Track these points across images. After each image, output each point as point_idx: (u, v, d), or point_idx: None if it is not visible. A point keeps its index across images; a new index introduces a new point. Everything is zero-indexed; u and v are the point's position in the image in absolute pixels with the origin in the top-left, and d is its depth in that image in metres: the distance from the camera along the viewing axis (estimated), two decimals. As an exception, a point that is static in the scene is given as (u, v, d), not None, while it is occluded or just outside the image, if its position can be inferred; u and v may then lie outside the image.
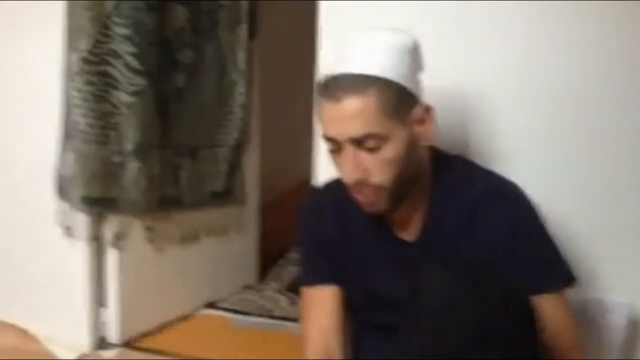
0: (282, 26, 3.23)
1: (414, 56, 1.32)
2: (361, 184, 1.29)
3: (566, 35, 1.61)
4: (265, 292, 2.82)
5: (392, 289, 1.36)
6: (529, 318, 1.18)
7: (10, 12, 2.23)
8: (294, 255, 3.05)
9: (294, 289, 2.81)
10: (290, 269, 3.00)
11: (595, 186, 1.64)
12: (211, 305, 2.66)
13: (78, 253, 2.24)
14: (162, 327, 2.45)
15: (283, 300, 2.75)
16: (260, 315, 2.61)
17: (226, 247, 2.72)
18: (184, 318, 2.54)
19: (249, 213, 2.82)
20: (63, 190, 2.18)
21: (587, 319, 1.57)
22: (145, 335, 2.40)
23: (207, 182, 2.54)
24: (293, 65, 3.03)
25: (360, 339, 1.52)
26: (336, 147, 1.29)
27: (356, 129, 1.24)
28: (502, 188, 1.37)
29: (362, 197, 1.32)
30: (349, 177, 1.29)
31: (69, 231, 2.21)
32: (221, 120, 2.55)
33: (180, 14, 2.35)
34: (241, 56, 2.55)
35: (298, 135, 2.78)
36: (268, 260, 3.08)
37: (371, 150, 1.26)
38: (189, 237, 2.53)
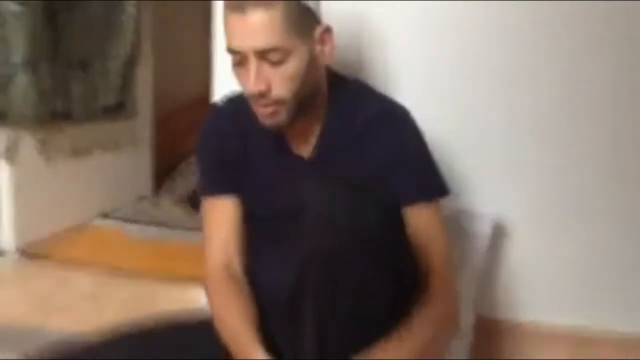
0: None
1: None
2: (263, 96, 1.34)
3: None
4: (160, 203, 2.89)
5: (287, 201, 1.45)
6: (401, 229, 1.33)
7: None
8: (187, 167, 3.12)
9: (188, 200, 2.89)
10: (184, 182, 3.07)
11: (468, 111, 1.81)
12: (105, 215, 2.71)
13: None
14: (55, 236, 2.48)
15: (177, 211, 2.82)
16: (154, 224, 2.67)
17: (120, 160, 2.76)
18: (78, 228, 2.58)
19: (142, 126, 2.85)
20: (-51, 102, 2.14)
21: (457, 228, 1.75)
22: (39, 244, 2.42)
23: (99, 96, 2.55)
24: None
25: (255, 249, 1.61)
26: (240, 59, 1.33)
27: (262, 41, 1.29)
28: (392, 110, 1.48)
29: (262, 110, 1.38)
30: (252, 89, 1.33)
31: (-42, 144, 2.19)
32: (112, 33, 2.54)
33: None
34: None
35: (193, 50, 2.80)
36: (162, 172, 3.13)
37: (274, 64, 1.31)
38: (82, 150, 2.55)
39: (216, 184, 1.54)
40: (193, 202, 2.79)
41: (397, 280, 1.31)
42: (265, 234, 1.55)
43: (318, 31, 1.37)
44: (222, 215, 1.52)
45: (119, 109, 2.63)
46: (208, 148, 1.56)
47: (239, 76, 1.37)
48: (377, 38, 1.80)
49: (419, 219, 1.39)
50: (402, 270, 1.31)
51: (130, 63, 2.61)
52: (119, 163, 2.75)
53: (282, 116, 1.38)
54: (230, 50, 1.34)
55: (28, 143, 2.34)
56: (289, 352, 1.33)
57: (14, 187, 2.31)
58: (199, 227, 1.58)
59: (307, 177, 1.37)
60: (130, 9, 2.54)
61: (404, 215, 1.39)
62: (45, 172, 2.43)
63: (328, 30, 1.40)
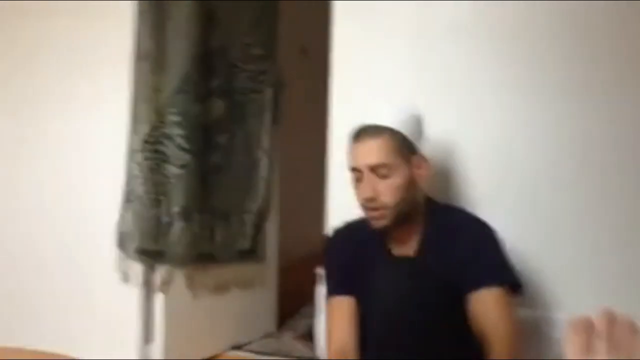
0: (301, 114, 3.80)
1: (416, 121, 1.87)
2: (372, 201, 1.79)
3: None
4: (283, 339, 3.28)
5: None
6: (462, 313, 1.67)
7: (85, 99, 2.83)
8: (306, 310, 3.52)
9: (307, 337, 3.27)
10: (304, 322, 3.46)
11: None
12: (237, 347, 3.13)
13: (132, 296, 2.74)
14: (196, 362, 2.92)
15: (298, 345, 3.20)
16: (279, 355, 3.06)
17: (251, 299, 3.21)
18: (215, 356, 3.01)
19: (270, 270, 3.32)
20: (122, 243, 2.71)
21: (536, 331, 2.03)
22: (183, 368, 2.86)
23: (236, 242, 3.06)
24: (309, 149, 3.59)
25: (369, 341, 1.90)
26: (359, 175, 1.81)
27: (372, 159, 1.78)
28: (475, 218, 1.90)
29: (371, 213, 1.82)
30: (367, 195, 1.79)
31: (125, 277, 2.72)
32: (248, 191, 3.10)
33: (219, 106, 2.94)
34: (265, 138, 3.12)
35: (313, 208, 3.30)
36: (286, 316, 3.55)
37: (383, 177, 1.78)
38: (221, 287, 3.03)
39: (336, 287, 1.94)
40: (311, 338, 3.16)
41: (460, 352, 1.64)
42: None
43: (416, 157, 1.83)
44: (341, 311, 1.90)
45: (252, 254, 3.13)
46: (331, 254, 1.99)
47: (356, 189, 1.83)
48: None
49: (481, 306, 1.71)
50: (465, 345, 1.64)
51: (262, 215, 3.14)
52: (251, 301, 3.21)
53: (388, 219, 1.81)
54: (352, 169, 1.83)
55: (179, 279, 2.85)
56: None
57: (165, 315, 2.80)
58: (316, 357, 1.96)
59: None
60: (263, 171, 3.12)
61: (475, 297, 1.72)
62: (191, 304, 2.91)
63: (424, 158, 1.86)
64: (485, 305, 1.73)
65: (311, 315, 3.39)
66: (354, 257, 1.93)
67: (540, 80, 2.15)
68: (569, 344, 0.79)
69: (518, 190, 2.18)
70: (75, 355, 2.79)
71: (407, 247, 1.89)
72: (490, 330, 1.71)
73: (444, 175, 2.20)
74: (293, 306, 3.62)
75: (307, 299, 3.60)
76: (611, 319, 0.77)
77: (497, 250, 1.83)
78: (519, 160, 2.18)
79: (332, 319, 1.92)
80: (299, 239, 3.85)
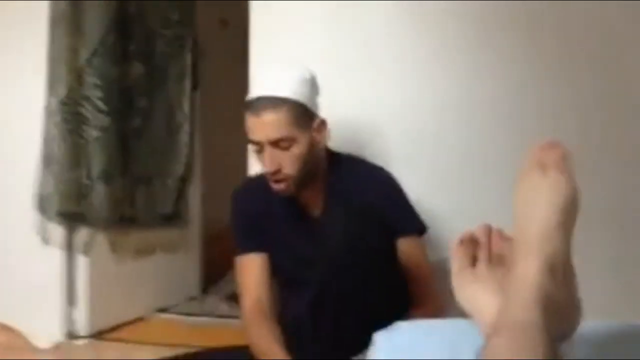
0: (222, 79, 3.83)
1: (312, 84, 1.89)
2: (276, 173, 1.82)
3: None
4: (207, 301, 3.33)
5: (306, 250, 1.84)
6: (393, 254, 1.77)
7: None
8: (231, 275, 3.57)
9: (232, 299, 3.33)
10: (229, 286, 3.51)
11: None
12: (162, 310, 3.16)
13: (52, 259, 2.73)
14: (122, 325, 2.93)
15: (223, 306, 3.26)
16: (203, 315, 3.11)
17: (175, 263, 3.25)
18: (140, 319, 3.03)
19: (194, 235, 3.36)
20: (42, 206, 2.69)
21: (447, 270, 2.15)
22: (108, 331, 2.87)
23: (158, 206, 3.09)
24: (228, 111, 3.63)
25: (281, 294, 1.98)
26: (259, 147, 1.82)
27: (273, 134, 1.79)
28: (377, 167, 1.98)
29: (276, 185, 1.85)
30: (269, 168, 1.81)
31: (45, 240, 2.71)
32: (170, 155, 3.13)
33: (137, 69, 2.95)
34: (186, 103, 3.15)
35: (235, 171, 3.35)
36: (211, 282, 3.60)
37: (284, 149, 1.80)
38: (144, 251, 3.05)
39: (246, 244, 1.95)
40: (236, 299, 3.22)
41: (392, 292, 1.73)
42: (288, 280, 1.97)
43: (316, 123, 1.87)
44: (252, 268, 1.92)
45: (174, 218, 3.16)
46: (240, 210, 2.01)
47: (259, 160, 1.86)
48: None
49: (403, 250, 1.82)
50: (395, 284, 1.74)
51: (184, 180, 3.18)
52: (175, 266, 3.25)
53: (291, 188, 1.85)
54: (252, 142, 1.84)
55: (101, 243, 2.86)
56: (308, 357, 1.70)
57: (89, 278, 2.80)
58: (239, 316, 1.95)
59: (322, 231, 1.82)
60: (185, 136, 3.15)
61: (397, 243, 1.82)
62: (115, 268, 2.93)
63: (323, 122, 1.90)
64: (409, 250, 1.83)
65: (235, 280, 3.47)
66: (262, 213, 1.94)
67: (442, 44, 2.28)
68: (455, 257, 0.88)
69: (419, 137, 2.31)
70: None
71: (315, 204, 1.93)
72: (415, 272, 1.82)
73: (356, 131, 2.30)
74: (219, 272, 3.66)
75: (231, 266, 3.66)
76: (488, 230, 0.87)
77: (407, 199, 1.94)
78: (420, 108, 2.31)
79: (245, 275, 1.93)
80: (223, 209, 3.88)
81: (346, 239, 1.67)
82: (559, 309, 0.73)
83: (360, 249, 1.66)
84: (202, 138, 3.38)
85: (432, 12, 2.28)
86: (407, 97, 2.31)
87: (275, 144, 1.79)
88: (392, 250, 1.80)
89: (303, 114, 1.82)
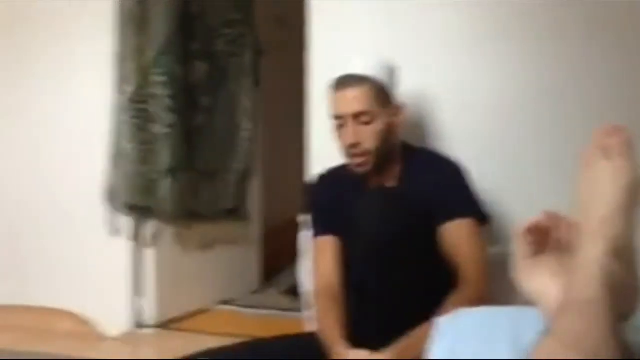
0: (281, 77, 3.90)
1: (392, 72, 1.98)
2: (356, 147, 1.88)
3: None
4: (268, 295, 3.41)
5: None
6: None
7: (68, 62, 2.93)
8: (290, 269, 3.65)
9: (291, 292, 3.40)
10: (288, 280, 3.58)
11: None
12: (225, 302, 3.25)
13: (121, 250, 2.84)
14: (186, 316, 3.03)
15: (283, 299, 3.33)
16: (264, 308, 3.19)
17: (237, 256, 3.34)
18: (204, 311, 3.13)
19: (255, 229, 3.45)
20: (111, 199, 2.81)
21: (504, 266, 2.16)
22: (173, 321, 2.97)
23: (221, 200, 3.18)
24: (287, 109, 3.70)
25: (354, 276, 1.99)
26: (341, 122, 1.90)
27: (356, 107, 1.88)
28: (445, 156, 2.02)
29: (355, 160, 1.91)
30: (350, 140, 1.88)
31: (114, 231, 2.82)
32: (231, 151, 3.21)
33: (200, 68, 3.05)
34: (246, 100, 3.23)
35: (297, 174, 3.43)
36: (270, 275, 3.68)
37: (365, 123, 1.88)
38: (207, 244, 3.15)
39: (320, 228, 2.03)
40: (295, 294, 3.28)
41: (433, 276, 1.77)
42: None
43: (394, 105, 1.95)
44: (325, 250, 1.99)
45: (236, 213, 3.25)
46: (313, 203, 2.10)
47: (340, 136, 1.92)
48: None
49: (453, 234, 1.83)
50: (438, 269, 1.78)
51: (244, 175, 3.26)
52: (237, 259, 3.34)
53: (369, 164, 1.92)
54: (335, 117, 1.92)
55: (167, 235, 2.96)
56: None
57: (156, 269, 2.91)
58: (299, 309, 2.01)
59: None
60: (245, 133, 3.23)
61: (448, 227, 1.85)
62: (180, 260, 3.03)
63: (400, 106, 1.98)
64: (459, 235, 1.84)
65: (295, 274, 3.54)
66: (336, 199, 2.02)
67: (507, 28, 2.29)
68: (519, 245, 0.90)
69: (487, 134, 2.32)
70: (67, 308, 2.90)
71: (385, 183, 2.01)
72: (463, 258, 1.83)
73: (419, 123, 2.33)
74: (278, 265, 3.74)
75: (291, 259, 3.73)
76: (554, 218, 0.89)
77: (468, 186, 1.96)
78: (485, 105, 2.32)
79: (318, 257, 2.01)
80: (283, 203, 3.97)
81: (375, 221, 1.75)
82: (621, 290, 0.75)
83: (391, 231, 1.73)
84: (263, 135, 3.45)
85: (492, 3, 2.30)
86: (466, 90, 2.33)
87: (357, 118, 1.88)
88: (431, 233, 1.84)
89: (384, 95, 1.92)
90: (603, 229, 0.76)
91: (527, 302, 0.97)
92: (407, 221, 1.78)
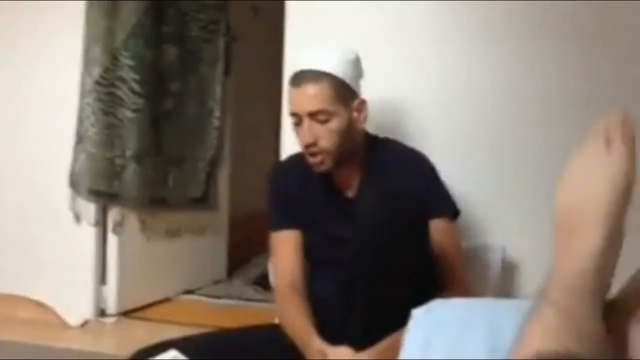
0: (253, 66, 3.87)
1: (356, 64, 1.90)
2: (313, 146, 1.82)
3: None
4: (234, 284, 3.37)
5: (338, 230, 1.85)
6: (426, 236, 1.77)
7: (33, 41, 2.85)
8: (257, 259, 3.61)
9: (257, 283, 3.36)
10: (254, 269, 3.55)
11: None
12: (189, 291, 3.19)
13: (85, 237, 2.78)
14: (150, 304, 2.97)
15: (249, 289, 3.29)
16: (229, 298, 3.14)
17: (202, 246, 3.28)
18: (167, 300, 3.07)
19: (222, 219, 3.39)
20: (74, 183, 2.74)
21: (475, 257, 2.16)
22: (136, 310, 2.91)
23: (188, 188, 3.12)
24: (258, 98, 3.67)
25: (312, 272, 1.96)
26: (298, 120, 1.83)
27: (312, 106, 1.79)
28: (413, 150, 1.97)
29: (312, 159, 1.85)
30: (306, 140, 1.81)
31: (78, 217, 2.75)
32: (200, 139, 3.16)
33: (171, 52, 2.99)
34: (218, 88, 3.18)
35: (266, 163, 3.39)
36: (236, 265, 3.63)
37: (322, 122, 1.80)
38: (173, 232, 3.09)
39: (281, 221, 1.94)
40: (262, 284, 3.25)
41: (424, 274, 1.73)
42: (319, 259, 1.98)
43: (356, 102, 1.87)
44: (287, 245, 1.92)
45: (203, 201, 3.19)
46: (275, 188, 1.99)
47: (297, 133, 1.85)
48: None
49: (435, 232, 1.79)
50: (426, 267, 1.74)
51: (213, 164, 3.21)
52: (202, 248, 3.28)
53: (328, 163, 1.84)
54: (292, 114, 1.84)
55: (132, 222, 2.90)
56: (339, 337, 1.70)
57: (119, 257, 2.85)
58: (265, 300, 1.95)
59: (355, 212, 1.82)
60: (215, 121, 3.18)
61: (430, 226, 1.78)
62: (145, 248, 2.97)
63: (363, 102, 1.90)
64: (441, 232, 1.81)
65: (261, 265, 3.50)
66: (297, 192, 1.95)
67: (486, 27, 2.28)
68: (590, 138, 0.81)
69: (456, 128, 2.32)
70: (30, 296, 2.82)
71: (350, 185, 1.94)
72: (450, 259, 1.81)
73: (398, 122, 2.31)
74: (244, 256, 3.70)
75: (257, 250, 3.69)
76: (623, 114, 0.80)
77: (441, 182, 1.94)
78: (456, 104, 2.32)
79: (279, 252, 1.93)
80: (251, 193, 3.92)
81: (377, 220, 1.67)
82: (608, 277, 0.74)
83: (391, 231, 1.64)
84: (232, 123, 3.40)
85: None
86: (443, 80, 2.32)
87: (314, 116, 1.79)
88: (424, 232, 1.80)
89: (344, 91, 1.83)
90: (604, 216, 0.74)
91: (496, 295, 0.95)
92: (401, 221, 1.72)
